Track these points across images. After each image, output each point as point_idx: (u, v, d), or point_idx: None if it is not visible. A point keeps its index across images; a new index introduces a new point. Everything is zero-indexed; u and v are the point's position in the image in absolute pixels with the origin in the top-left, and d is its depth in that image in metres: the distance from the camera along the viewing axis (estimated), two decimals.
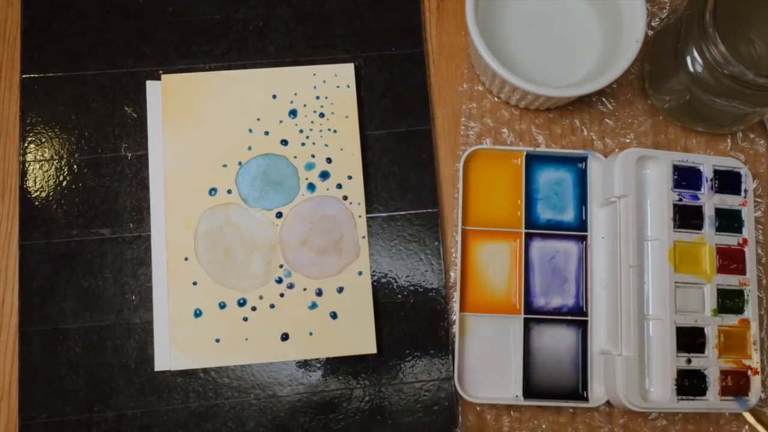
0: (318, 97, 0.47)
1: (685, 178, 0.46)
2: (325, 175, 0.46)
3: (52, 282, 0.45)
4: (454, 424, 0.45)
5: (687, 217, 0.45)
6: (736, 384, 0.44)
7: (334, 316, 0.45)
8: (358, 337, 0.44)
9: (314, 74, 0.47)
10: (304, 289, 0.45)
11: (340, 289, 0.45)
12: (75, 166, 0.46)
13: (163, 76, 0.47)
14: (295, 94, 0.47)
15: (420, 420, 0.44)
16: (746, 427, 0.46)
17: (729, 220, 0.45)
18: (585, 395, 0.45)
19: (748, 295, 0.45)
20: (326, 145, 0.47)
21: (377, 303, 0.45)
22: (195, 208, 0.45)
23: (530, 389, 0.45)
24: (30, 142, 0.46)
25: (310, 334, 0.44)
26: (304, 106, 0.47)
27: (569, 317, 0.45)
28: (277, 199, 0.46)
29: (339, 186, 0.46)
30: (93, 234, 0.46)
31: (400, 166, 0.47)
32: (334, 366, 0.45)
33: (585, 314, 0.46)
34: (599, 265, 0.46)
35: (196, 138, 0.46)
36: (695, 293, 0.44)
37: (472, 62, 0.49)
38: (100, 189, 0.46)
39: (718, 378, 0.43)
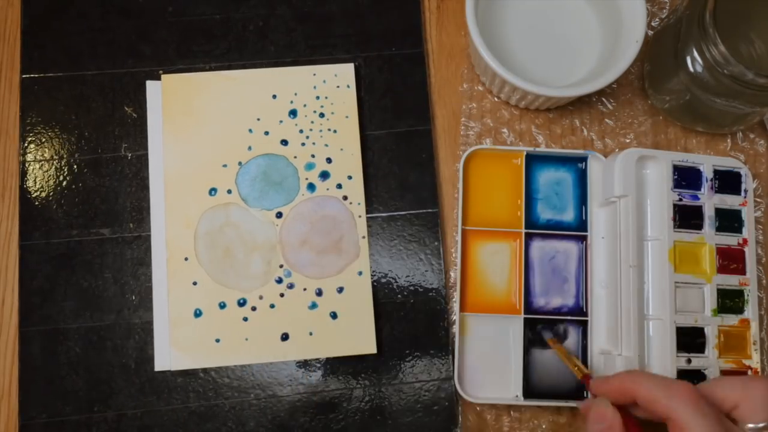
0: (318, 97, 0.47)
1: (685, 178, 0.46)
2: (325, 175, 0.46)
3: (52, 282, 0.45)
4: (454, 424, 0.45)
5: (687, 217, 0.45)
6: None
7: (334, 316, 0.45)
8: (358, 337, 0.44)
9: (314, 74, 0.47)
10: (304, 289, 0.45)
11: (340, 289, 0.45)
12: (75, 166, 0.46)
13: (163, 76, 0.47)
14: (295, 94, 0.47)
15: (420, 420, 0.44)
16: None
17: (729, 220, 0.45)
18: (585, 395, 0.45)
19: (748, 295, 0.45)
20: (326, 145, 0.47)
21: (377, 303, 0.45)
22: (195, 208, 0.45)
23: (530, 389, 0.45)
24: (30, 142, 0.46)
25: (310, 334, 0.44)
26: (304, 106, 0.47)
27: (569, 317, 0.45)
28: (277, 199, 0.46)
29: (339, 186, 0.46)
30: (93, 234, 0.46)
31: (400, 166, 0.47)
32: (334, 366, 0.45)
33: (585, 314, 0.46)
34: (599, 265, 0.46)
35: (196, 138, 0.46)
36: (695, 293, 0.44)
37: (472, 62, 0.49)
38: (100, 189, 0.46)
39: None
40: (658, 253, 0.45)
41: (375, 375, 0.45)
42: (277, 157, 0.46)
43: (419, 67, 0.48)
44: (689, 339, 0.44)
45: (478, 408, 0.45)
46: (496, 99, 0.49)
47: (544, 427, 0.45)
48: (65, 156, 0.46)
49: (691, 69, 0.42)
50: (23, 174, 0.46)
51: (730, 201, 0.46)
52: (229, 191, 0.46)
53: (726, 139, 0.49)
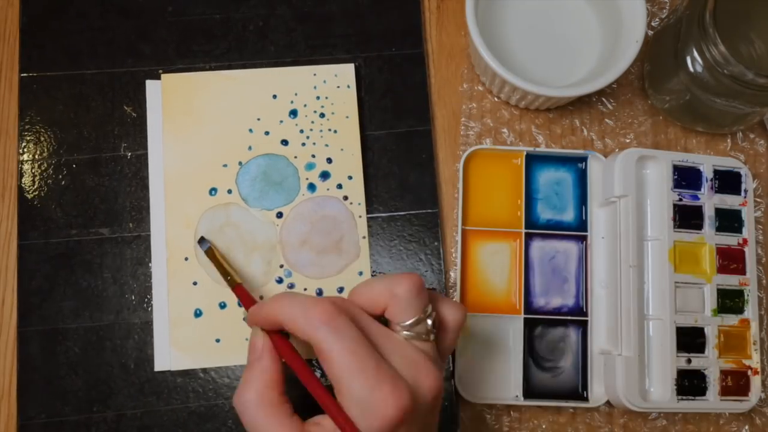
0: (318, 97, 0.47)
1: (685, 178, 0.46)
2: (325, 175, 0.46)
3: (51, 282, 0.45)
4: (455, 424, 0.45)
5: (687, 217, 0.45)
6: (736, 384, 0.44)
7: None
8: None
9: (314, 74, 0.47)
10: (305, 289, 0.45)
11: (341, 290, 0.45)
12: (74, 166, 0.46)
13: (162, 76, 0.47)
14: (296, 94, 0.47)
15: None
16: (746, 427, 0.46)
17: (729, 220, 0.46)
18: (585, 395, 0.45)
19: (748, 295, 0.45)
20: (326, 145, 0.46)
21: None
22: (195, 208, 0.45)
23: (530, 389, 0.45)
24: (29, 142, 0.46)
25: None
26: (305, 106, 0.47)
27: (569, 317, 0.45)
28: (278, 199, 0.46)
29: (339, 186, 0.46)
30: (92, 234, 0.45)
31: (400, 166, 0.47)
32: None
33: (585, 314, 0.46)
34: (599, 265, 0.46)
35: (196, 138, 0.46)
36: (695, 293, 0.45)
37: (472, 62, 0.49)
38: (100, 188, 0.46)
39: (718, 378, 0.44)
40: (658, 253, 0.45)
41: None
42: (278, 157, 0.46)
43: (419, 67, 0.48)
44: (689, 339, 0.44)
45: (478, 408, 0.45)
46: (496, 99, 0.49)
47: (544, 427, 0.45)
48: (64, 155, 0.46)
49: (691, 69, 0.42)
50: (22, 173, 0.46)
51: (730, 201, 0.46)
52: (230, 191, 0.46)
53: (726, 139, 0.49)
